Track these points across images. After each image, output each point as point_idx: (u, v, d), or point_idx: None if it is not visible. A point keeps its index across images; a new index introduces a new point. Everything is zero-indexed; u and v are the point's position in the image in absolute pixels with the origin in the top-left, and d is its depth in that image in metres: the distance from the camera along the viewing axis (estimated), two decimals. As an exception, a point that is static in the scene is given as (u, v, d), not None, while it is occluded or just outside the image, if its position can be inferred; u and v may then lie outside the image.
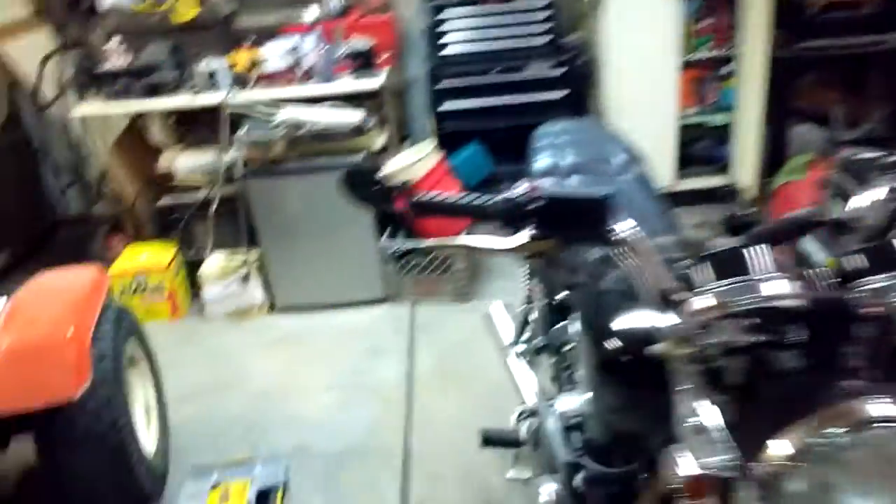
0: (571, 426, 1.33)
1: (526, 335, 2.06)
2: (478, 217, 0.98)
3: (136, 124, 3.49)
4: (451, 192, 1.04)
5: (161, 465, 2.20)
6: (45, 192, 4.13)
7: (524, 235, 0.95)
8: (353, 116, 3.02)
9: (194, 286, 3.29)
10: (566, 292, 1.66)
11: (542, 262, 1.81)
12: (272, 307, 3.25)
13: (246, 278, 3.16)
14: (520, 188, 0.95)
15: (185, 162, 3.23)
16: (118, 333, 2.01)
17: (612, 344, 1.08)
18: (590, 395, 1.25)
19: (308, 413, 2.56)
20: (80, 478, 1.86)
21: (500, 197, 0.96)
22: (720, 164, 3.77)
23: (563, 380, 1.59)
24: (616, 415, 1.16)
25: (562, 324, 1.63)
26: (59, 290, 2.01)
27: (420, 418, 2.48)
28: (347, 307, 3.21)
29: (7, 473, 2.22)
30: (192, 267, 3.28)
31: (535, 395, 1.89)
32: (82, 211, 4.12)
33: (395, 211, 1.03)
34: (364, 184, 1.03)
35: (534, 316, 1.91)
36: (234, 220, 3.20)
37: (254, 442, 2.43)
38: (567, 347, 1.55)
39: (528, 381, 1.97)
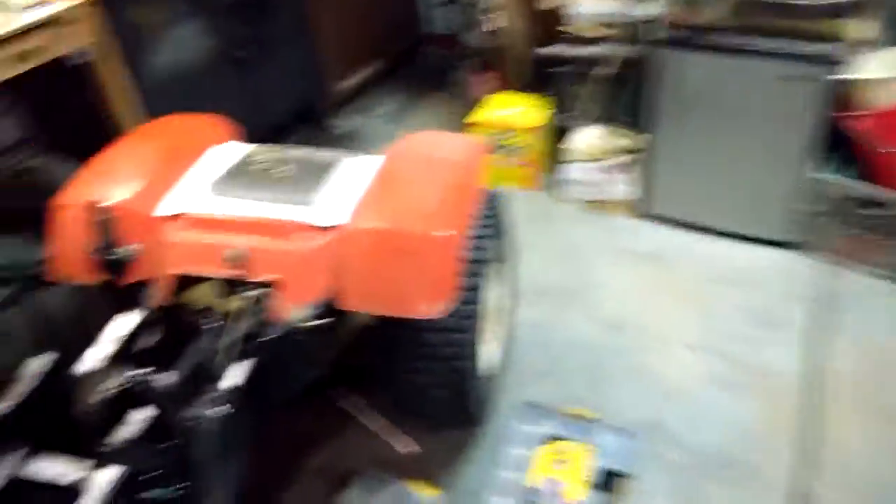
0: None
1: None
2: None
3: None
4: None
5: (490, 384, 1.84)
6: (416, 6, 3.87)
7: None
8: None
9: (555, 158, 2.78)
10: None
11: None
12: (642, 210, 2.63)
13: (622, 167, 2.55)
14: None
15: (585, 5, 2.57)
16: (494, 234, 1.56)
17: None
18: None
19: (667, 374, 2.00)
20: (408, 384, 1.56)
21: None
22: None
23: None
24: None
25: None
26: (438, 164, 1.59)
27: (827, 449, 1.77)
28: (737, 240, 2.47)
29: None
30: (559, 134, 2.75)
31: None
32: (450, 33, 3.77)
33: None
34: None
35: None
36: (627, 93, 2.54)
37: (595, 389, 1.96)
38: None
39: None
